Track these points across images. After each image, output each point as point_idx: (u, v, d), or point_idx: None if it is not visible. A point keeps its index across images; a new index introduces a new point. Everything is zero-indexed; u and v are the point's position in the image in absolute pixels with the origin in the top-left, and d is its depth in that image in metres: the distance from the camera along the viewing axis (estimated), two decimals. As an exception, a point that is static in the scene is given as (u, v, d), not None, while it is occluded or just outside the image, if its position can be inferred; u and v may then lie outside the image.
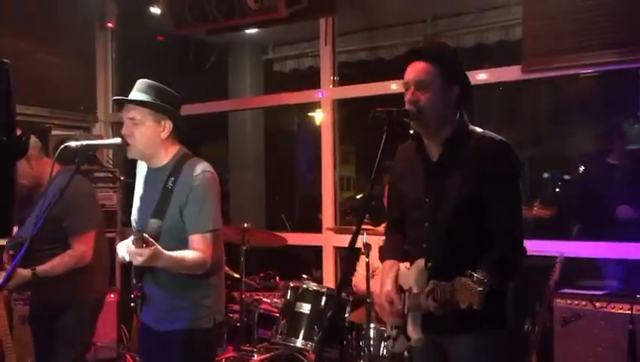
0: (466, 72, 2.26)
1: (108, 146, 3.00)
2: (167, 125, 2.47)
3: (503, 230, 2.12)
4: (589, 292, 3.53)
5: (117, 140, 2.53)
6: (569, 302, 3.50)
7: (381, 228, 3.66)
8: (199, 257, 2.36)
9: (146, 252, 2.18)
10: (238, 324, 3.77)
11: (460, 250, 2.14)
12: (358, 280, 3.74)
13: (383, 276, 2.37)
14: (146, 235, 2.21)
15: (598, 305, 3.42)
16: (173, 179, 2.43)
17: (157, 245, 2.22)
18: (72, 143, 2.42)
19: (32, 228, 2.99)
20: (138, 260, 2.21)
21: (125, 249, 2.28)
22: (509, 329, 2.22)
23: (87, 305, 3.14)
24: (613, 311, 3.37)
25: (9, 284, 2.90)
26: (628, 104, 3.99)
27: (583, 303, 3.46)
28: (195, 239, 2.38)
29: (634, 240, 3.73)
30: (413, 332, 2.18)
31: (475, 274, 1.91)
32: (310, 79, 5.35)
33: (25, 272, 2.95)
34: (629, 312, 3.31)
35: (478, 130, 2.24)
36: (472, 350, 2.15)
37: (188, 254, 2.36)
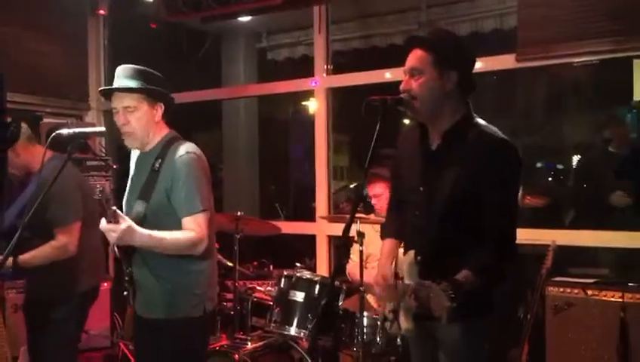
0: (470, 59, 2.21)
1: (95, 134, 2.97)
2: (160, 108, 2.48)
3: (494, 231, 2.09)
4: (580, 280, 3.55)
5: (101, 129, 2.51)
6: (561, 290, 3.52)
7: (372, 216, 3.68)
8: (190, 236, 2.33)
9: (119, 228, 2.15)
10: (232, 313, 3.77)
11: (449, 243, 2.14)
12: (352, 267, 3.75)
13: (381, 258, 2.38)
14: (118, 211, 2.18)
15: (589, 292, 3.44)
16: (160, 160, 2.43)
17: (131, 221, 2.19)
18: (64, 131, 2.40)
19: (16, 214, 2.98)
20: (113, 236, 2.18)
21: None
22: (497, 318, 2.22)
23: (74, 298, 3.09)
24: (604, 298, 3.40)
25: None
26: (622, 92, 3.99)
27: (575, 291, 3.48)
28: (187, 221, 2.36)
29: (626, 229, 3.75)
30: (405, 321, 2.18)
31: (449, 287, 1.94)
32: (304, 67, 5.33)
33: None
34: (621, 300, 3.33)
35: (481, 122, 2.20)
36: (461, 337, 2.16)
37: (172, 233, 2.33)
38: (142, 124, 2.44)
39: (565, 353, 3.46)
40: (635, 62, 3.68)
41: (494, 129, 2.19)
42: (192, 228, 2.36)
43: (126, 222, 2.18)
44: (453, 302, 1.90)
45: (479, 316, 2.15)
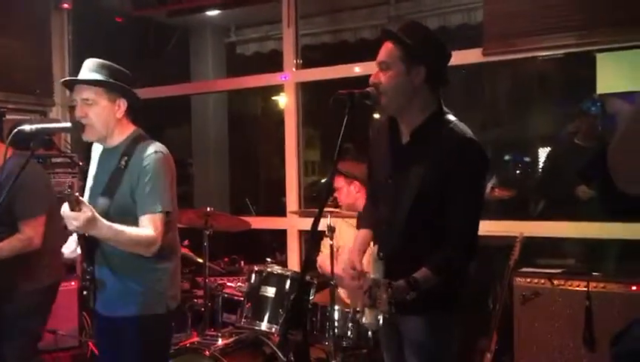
0: (441, 55, 2.19)
1: (60, 130, 2.93)
2: (122, 104, 2.43)
3: (456, 230, 2.10)
4: (547, 270, 3.62)
5: (67, 124, 2.46)
6: (528, 280, 3.58)
7: (344, 211, 3.70)
8: (147, 234, 2.29)
9: (82, 216, 2.10)
10: (203, 309, 3.75)
11: (414, 238, 2.14)
12: (322, 259, 3.75)
13: (353, 247, 2.38)
14: (82, 198, 2.14)
15: (555, 282, 3.51)
16: (126, 158, 2.38)
17: (94, 211, 2.14)
18: (26, 127, 2.35)
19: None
20: (73, 224, 2.13)
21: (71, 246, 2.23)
22: (462, 311, 2.24)
23: (33, 293, 3.07)
24: (570, 288, 3.47)
25: None
26: (586, 86, 4.07)
27: (542, 281, 3.54)
28: (144, 219, 2.32)
29: (591, 220, 3.83)
30: (368, 314, 2.19)
31: (402, 286, 1.98)
32: (273, 62, 5.30)
33: None
34: (586, 289, 3.41)
35: (452, 118, 2.19)
36: (423, 331, 2.19)
37: (132, 229, 2.29)
38: (100, 118, 2.39)
39: (533, 341, 3.53)
40: (598, 56, 3.75)
41: (463, 127, 2.17)
42: (148, 227, 2.32)
43: (89, 210, 2.13)
44: (391, 307, 1.94)
45: (441, 310, 2.17)
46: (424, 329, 2.18)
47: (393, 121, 2.27)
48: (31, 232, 3.00)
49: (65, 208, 2.13)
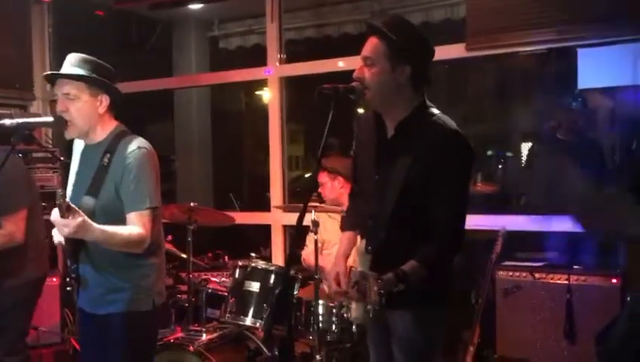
0: (426, 53, 2.19)
1: (41, 125, 2.90)
2: (104, 99, 2.40)
3: (442, 223, 2.11)
4: (528, 264, 3.66)
5: (49, 119, 2.44)
6: (510, 273, 3.62)
7: (328, 206, 3.70)
8: (137, 233, 2.29)
9: (73, 223, 2.09)
10: (186, 305, 3.74)
11: (400, 232, 2.15)
12: (308, 254, 3.76)
13: (338, 253, 2.39)
14: (73, 205, 2.12)
15: (537, 275, 3.55)
16: (109, 155, 2.36)
17: (84, 216, 2.13)
18: (7, 121, 2.33)
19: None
20: (65, 231, 2.12)
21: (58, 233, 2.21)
22: (447, 304, 2.26)
23: (18, 288, 3.04)
24: (551, 281, 3.51)
25: None
26: (567, 81, 4.11)
27: (524, 274, 3.59)
28: (132, 217, 2.31)
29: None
30: (356, 309, 2.20)
31: (391, 279, 1.98)
32: (257, 57, 5.29)
33: None
34: (567, 282, 3.45)
35: (436, 112, 2.19)
36: (412, 325, 2.19)
37: (123, 229, 2.29)
38: (81, 113, 2.36)
39: (515, 334, 3.57)
40: (580, 51, 3.79)
41: (447, 120, 2.18)
42: (136, 225, 2.31)
43: (81, 216, 2.12)
44: (382, 300, 1.94)
45: (430, 304, 2.19)
46: (412, 323, 2.19)
47: (378, 116, 2.27)
48: (12, 227, 2.97)
49: (55, 215, 2.11)
